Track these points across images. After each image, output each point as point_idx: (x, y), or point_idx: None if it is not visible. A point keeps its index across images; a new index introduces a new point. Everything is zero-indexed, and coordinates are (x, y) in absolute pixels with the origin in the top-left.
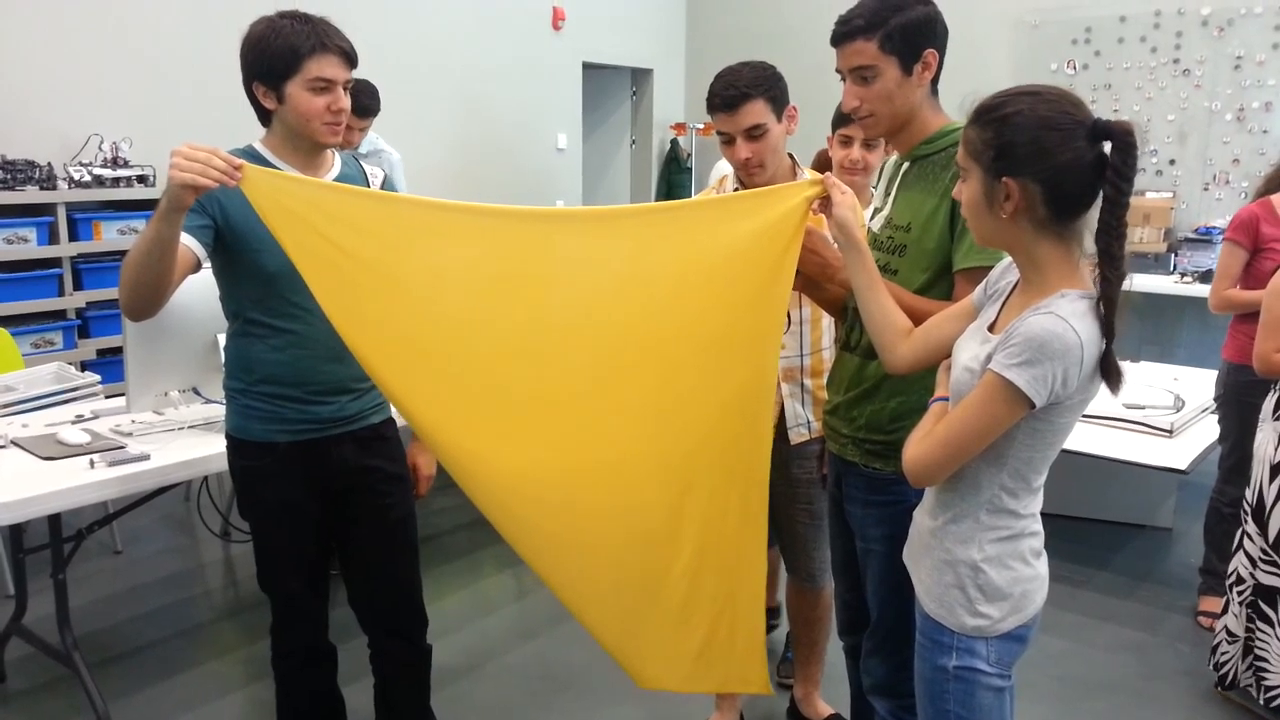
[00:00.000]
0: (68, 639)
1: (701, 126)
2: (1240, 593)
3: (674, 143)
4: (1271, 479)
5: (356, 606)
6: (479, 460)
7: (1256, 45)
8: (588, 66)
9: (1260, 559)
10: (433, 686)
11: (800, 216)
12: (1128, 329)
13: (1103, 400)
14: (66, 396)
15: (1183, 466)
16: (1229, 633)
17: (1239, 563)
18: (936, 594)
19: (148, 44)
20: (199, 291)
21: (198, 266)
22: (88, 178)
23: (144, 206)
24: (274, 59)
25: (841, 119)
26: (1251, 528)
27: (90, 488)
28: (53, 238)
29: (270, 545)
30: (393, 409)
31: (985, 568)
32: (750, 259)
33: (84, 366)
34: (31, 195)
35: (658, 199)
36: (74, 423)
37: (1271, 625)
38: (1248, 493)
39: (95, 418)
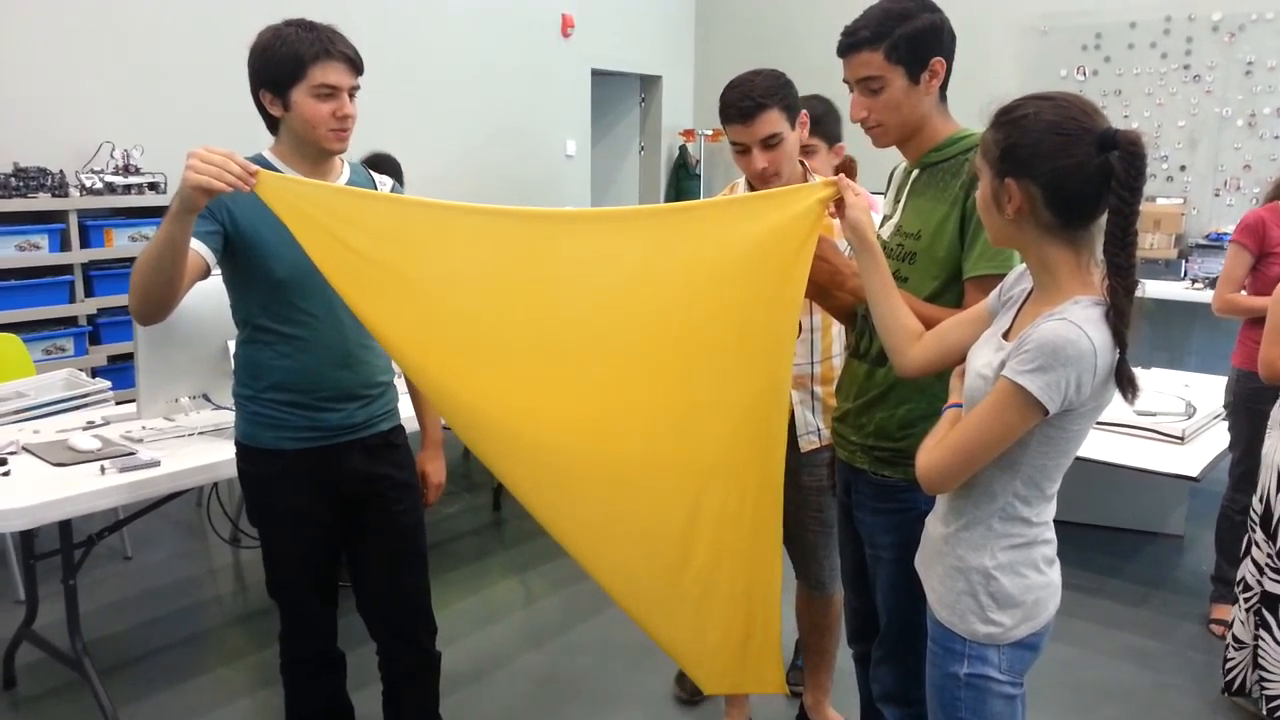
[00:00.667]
0: (78, 644)
1: (710, 133)
2: (1248, 600)
3: (683, 149)
4: (1279, 487)
5: (365, 614)
6: (510, 459)
7: (1267, 51)
8: (596, 73)
9: (1267, 566)
10: (441, 693)
11: (815, 218)
12: (1139, 335)
13: (1114, 407)
14: (77, 403)
15: (1194, 474)
16: (1236, 639)
17: (1246, 569)
18: (948, 601)
19: (159, 52)
20: (210, 298)
21: (207, 272)
22: (99, 185)
23: (155, 213)
24: (279, 66)
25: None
26: (1259, 535)
27: (101, 494)
28: (64, 245)
29: (279, 552)
30: (402, 416)
31: (998, 575)
32: (763, 260)
33: (95, 373)
34: (43, 202)
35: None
36: (85, 429)
37: (1271, 633)
38: (1255, 500)
39: (106, 424)
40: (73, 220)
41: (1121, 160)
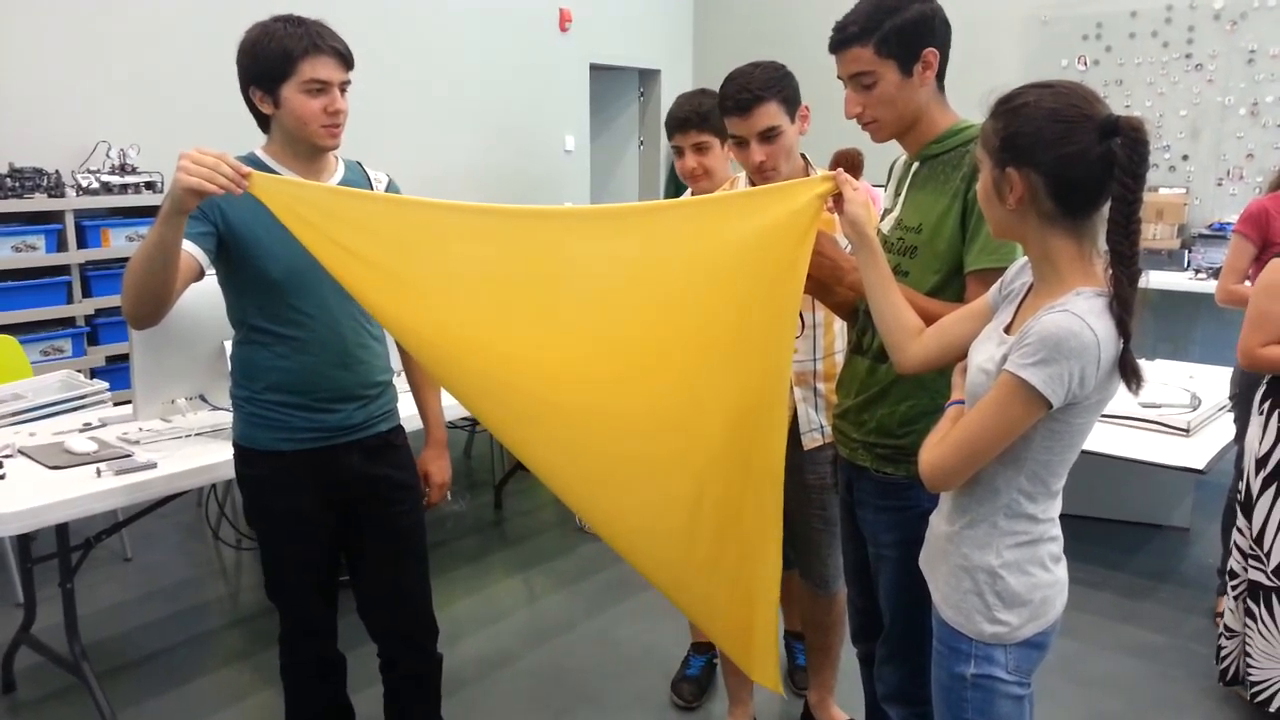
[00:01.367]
0: (76, 648)
1: None
2: (1235, 588)
3: None
4: (1257, 472)
5: (365, 616)
6: (521, 441)
7: (1270, 39)
8: (595, 68)
9: (1249, 553)
10: (444, 693)
11: (813, 213)
12: (1142, 326)
13: (1119, 399)
14: (75, 404)
15: (1200, 466)
16: (1228, 629)
17: (1234, 558)
18: (954, 601)
19: (155, 51)
20: (206, 298)
21: (200, 274)
22: (96, 185)
23: (152, 213)
24: (268, 63)
25: (670, 127)
26: (1241, 522)
27: (97, 497)
28: (61, 245)
29: (278, 554)
30: (402, 416)
31: (1003, 573)
32: (762, 255)
33: (93, 374)
34: (40, 203)
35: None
36: (81, 431)
37: (1256, 622)
38: (1241, 485)
39: (103, 425)
40: (69, 220)
41: (1124, 147)
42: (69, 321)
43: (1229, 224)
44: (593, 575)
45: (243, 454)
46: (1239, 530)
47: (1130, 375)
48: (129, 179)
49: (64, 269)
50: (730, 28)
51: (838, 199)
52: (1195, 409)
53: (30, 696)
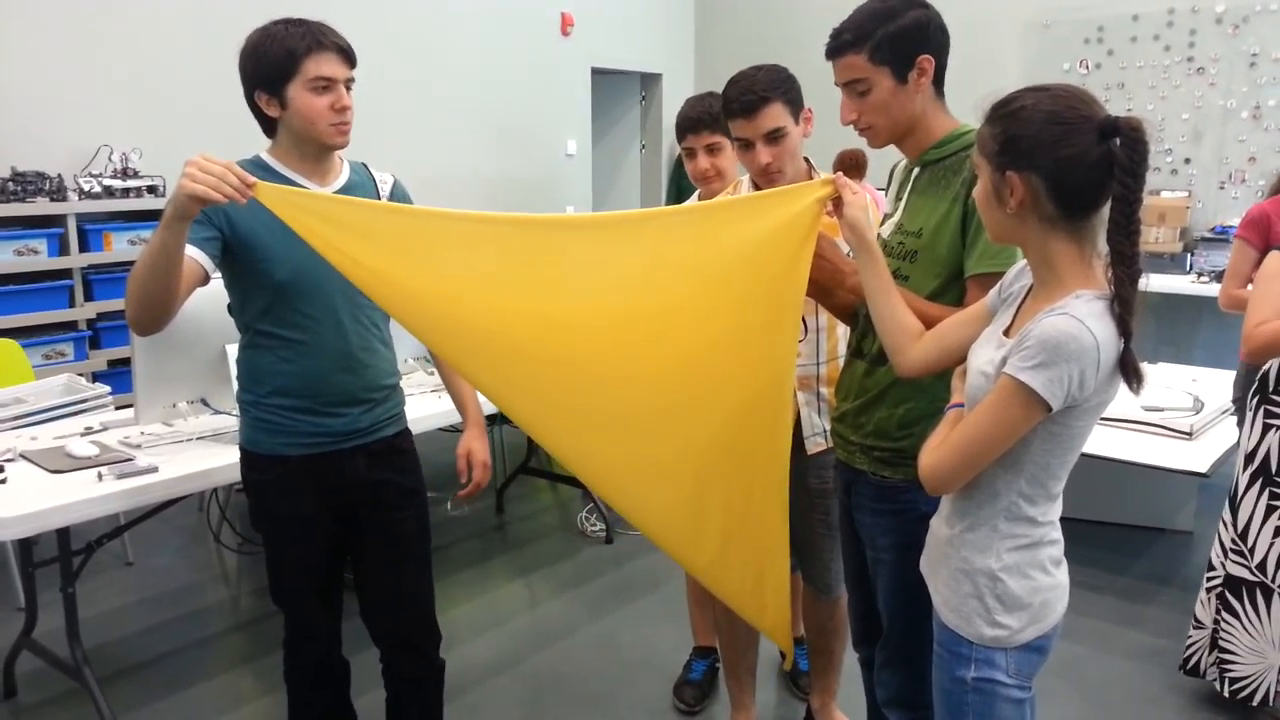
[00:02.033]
0: (77, 653)
1: None
2: (1210, 579)
3: None
4: (1245, 467)
5: (368, 621)
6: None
7: (1272, 42)
8: (597, 72)
9: (1230, 548)
10: (444, 698)
11: (813, 217)
12: (1144, 330)
13: (1121, 402)
14: (76, 408)
15: (1203, 469)
16: (1196, 620)
17: (1214, 550)
18: (954, 604)
19: (157, 55)
20: (208, 302)
21: (205, 280)
22: (98, 189)
23: (154, 217)
24: (272, 64)
25: (682, 128)
26: (1226, 515)
27: (98, 501)
28: (63, 249)
29: (282, 559)
30: (408, 420)
31: (1004, 577)
32: (763, 259)
33: (95, 378)
34: (42, 207)
35: (668, 204)
36: (83, 435)
37: (1237, 617)
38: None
39: (104, 430)
40: (71, 224)
41: (1124, 147)
42: (71, 325)
43: (1231, 227)
44: (594, 579)
45: (248, 458)
46: (1223, 524)
47: (1132, 376)
48: (131, 183)
49: (66, 273)
50: (732, 31)
51: (837, 203)
52: (1198, 412)
53: (32, 701)
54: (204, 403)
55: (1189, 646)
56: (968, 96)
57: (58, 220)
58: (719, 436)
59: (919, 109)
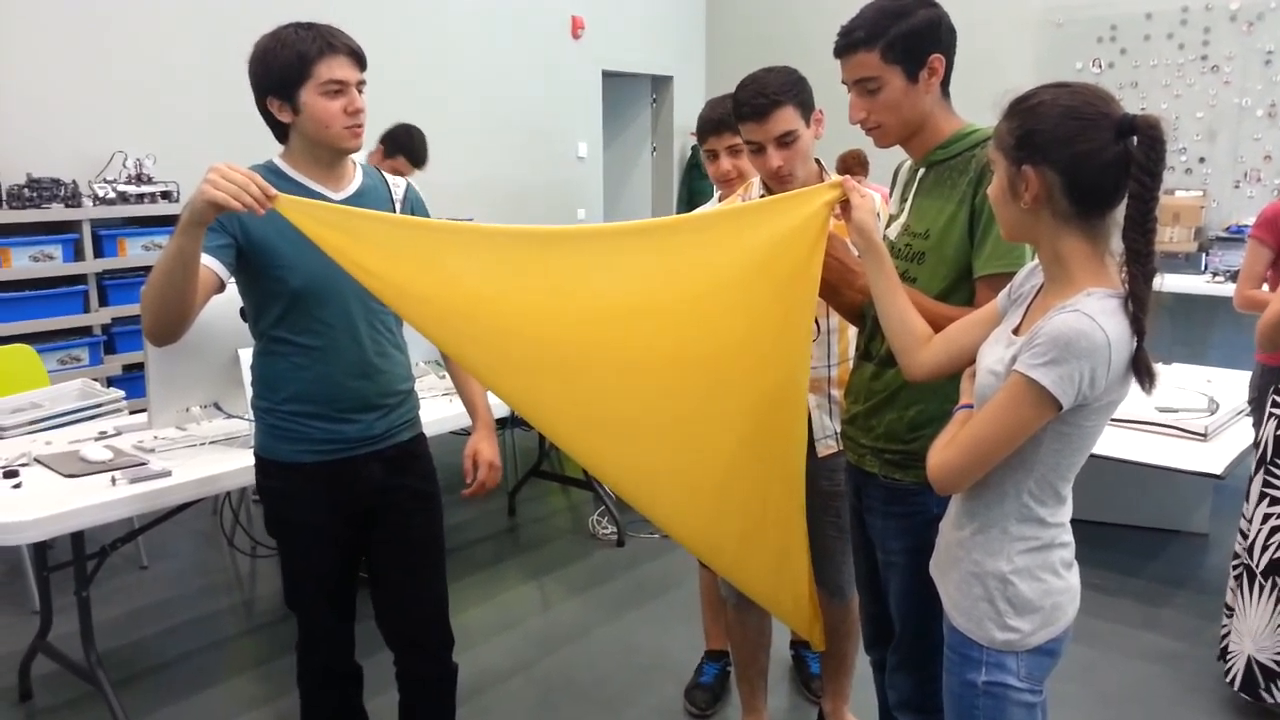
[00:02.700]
0: (91, 656)
1: None
2: (1234, 565)
3: (695, 149)
4: (1258, 467)
5: (382, 623)
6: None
7: None
8: (607, 74)
9: (1240, 531)
10: (457, 701)
11: (822, 221)
12: (1159, 330)
13: (1134, 403)
14: (91, 413)
15: (1218, 471)
16: (1226, 606)
17: (1236, 541)
18: (964, 607)
19: (170, 61)
20: (219, 308)
21: (221, 287)
22: (112, 194)
23: (168, 222)
24: (283, 69)
25: (704, 130)
26: (1244, 506)
27: (111, 505)
28: (78, 254)
29: (296, 566)
30: (423, 424)
31: (1014, 579)
32: (774, 263)
33: (110, 382)
34: (57, 213)
35: (679, 206)
36: (97, 439)
37: (1238, 599)
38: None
39: (118, 434)
40: (86, 230)
41: (1142, 146)
42: (86, 330)
43: (1246, 226)
44: (606, 582)
45: (262, 465)
46: (1242, 515)
47: (1144, 374)
48: (145, 189)
49: (81, 278)
50: (742, 33)
51: (845, 205)
52: (1213, 413)
53: (47, 704)
54: (217, 407)
55: (1223, 636)
56: (978, 95)
57: (73, 226)
58: (735, 438)
59: (927, 109)
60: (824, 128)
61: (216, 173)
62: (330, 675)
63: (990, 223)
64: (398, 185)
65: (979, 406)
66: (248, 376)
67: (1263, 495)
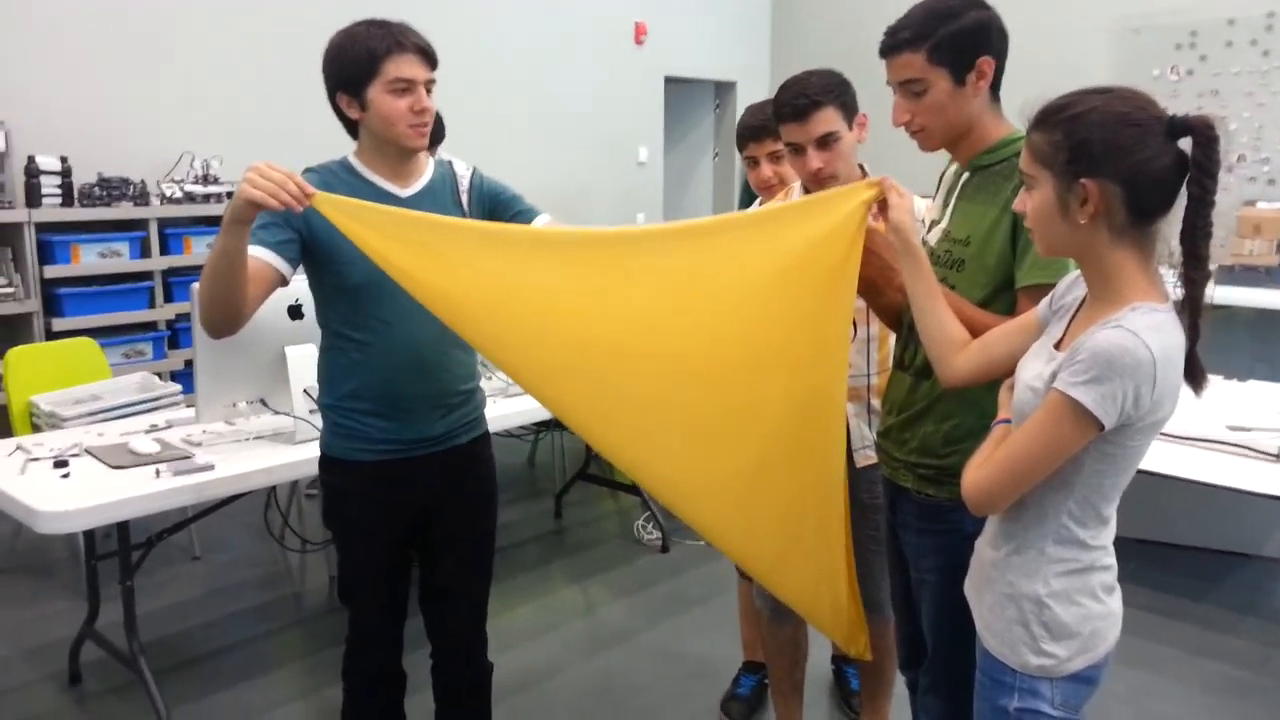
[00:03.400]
0: (134, 644)
1: None
2: None
3: None
4: None
5: (426, 613)
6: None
7: None
8: (670, 80)
9: None
10: (494, 700)
11: (859, 220)
12: (1238, 346)
13: (1204, 421)
14: (148, 405)
15: None
16: None
17: None
18: (998, 630)
19: (240, 64)
20: (267, 304)
21: (283, 281)
22: (179, 194)
23: None
24: (353, 66)
25: (744, 137)
26: None
27: (154, 497)
28: (145, 252)
29: (350, 563)
30: (488, 424)
31: (1051, 603)
32: (811, 264)
33: (173, 376)
34: (125, 211)
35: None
36: (147, 432)
37: None
38: None
39: (169, 427)
40: (153, 228)
41: (1198, 147)
42: (151, 326)
43: None
44: (650, 588)
45: (324, 461)
46: None
47: (1197, 377)
48: (211, 189)
49: (147, 275)
50: (808, 40)
51: (882, 205)
52: None
53: (94, 690)
54: (263, 403)
55: None
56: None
57: (140, 224)
58: (774, 441)
59: (975, 113)
60: (867, 132)
61: (255, 171)
62: (376, 677)
63: None
64: (463, 176)
65: (1017, 423)
66: (294, 373)
67: None
